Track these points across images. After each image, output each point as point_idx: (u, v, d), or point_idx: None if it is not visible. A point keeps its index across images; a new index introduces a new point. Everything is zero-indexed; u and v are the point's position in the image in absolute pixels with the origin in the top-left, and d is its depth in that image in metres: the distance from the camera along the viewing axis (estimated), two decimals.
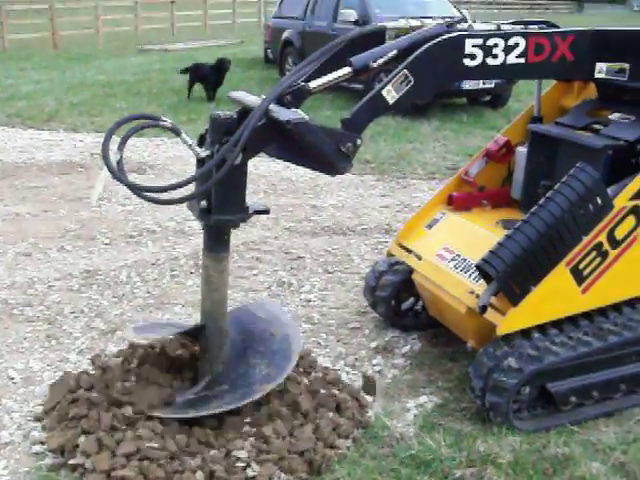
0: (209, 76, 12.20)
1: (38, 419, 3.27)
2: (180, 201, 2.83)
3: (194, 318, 4.29)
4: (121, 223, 6.11)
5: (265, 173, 7.69)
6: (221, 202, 2.91)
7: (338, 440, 3.10)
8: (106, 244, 5.65)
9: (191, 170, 7.79)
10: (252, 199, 3.01)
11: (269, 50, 16.39)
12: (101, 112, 11.10)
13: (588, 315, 3.36)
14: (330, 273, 5.14)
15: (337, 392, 3.39)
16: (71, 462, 2.91)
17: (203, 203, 2.92)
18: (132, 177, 2.84)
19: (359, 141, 2.89)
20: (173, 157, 8.46)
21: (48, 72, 15.48)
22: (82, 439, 2.97)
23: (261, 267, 5.23)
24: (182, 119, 10.38)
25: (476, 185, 4.07)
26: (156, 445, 2.88)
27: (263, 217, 5.84)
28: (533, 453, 3.07)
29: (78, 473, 2.88)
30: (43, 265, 5.17)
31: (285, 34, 14.47)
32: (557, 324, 3.30)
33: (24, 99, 11.96)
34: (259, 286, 4.89)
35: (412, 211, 5.99)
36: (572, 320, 3.33)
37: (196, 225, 5.69)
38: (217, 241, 3.06)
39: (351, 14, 12.29)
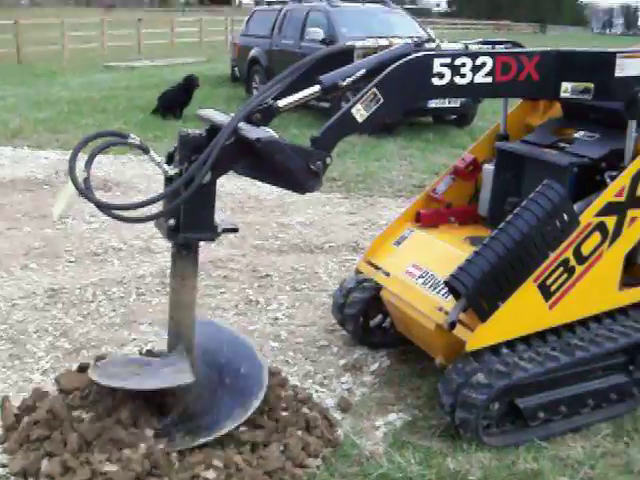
0: (177, 96, 12.16)
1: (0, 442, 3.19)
2: (148, 219, 2.80)
3: (161, 337, 4.25)
4: (86, 241, 6.03)
5: (232, 191, 7.66)
6: (189, 220, 2.87)
7: (308, 459, 3.06)
8: (71, 262, 5.57)
9: (157, 188, 7.71)
10: (219, 216, 2.99)
11: (236, 68, 16.41)
12: (66, 129, 11.00)
13: (556, 331, 3.38)
14: (298, 291, 5.12)
15: (308, 411, 3.35)
16: None
17: (171, 221, 2.88)
18: (98, 194, 2.79)
19: (329, 159, 2.88)
20: (139, 175, 8.40)
21: (13, 88, 15.33)
22: (45, 462, 2.90)
23: (228, 285, 5.19)
24: (149, 136, 10.32)
25: (444, 202, 4.09)
26: (117, 468, 2.82)
27: (230, 235, 5.81)
28: (503, 469, 3.07)
29: None
30: (6, 283, 5.08)
31: (252, 52, 14.51)
32: (525, 340, 3.32)
33: None
34: (226, 304, 4.86)
35: (379, 229, 6.00)
36: (540, 336, 3.35)
37: (162, 243, 5.64)
38: (185, 260, 3.04)
39: (318, 33, 12.37)
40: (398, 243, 3.97)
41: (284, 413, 3.28)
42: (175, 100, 12.16)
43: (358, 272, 4.17)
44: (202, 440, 2.99)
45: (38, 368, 3.92)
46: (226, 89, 16.36)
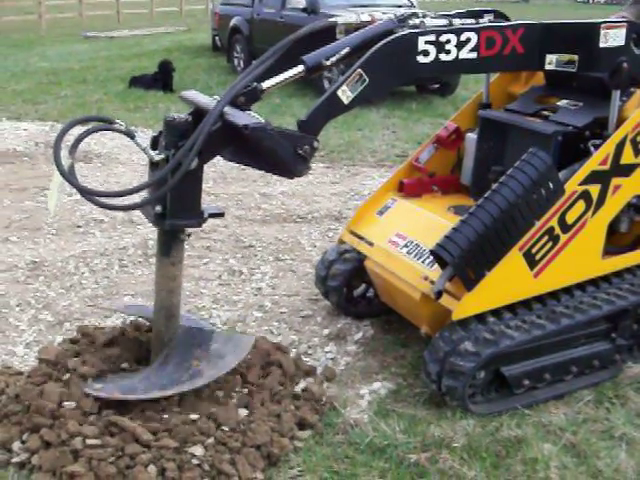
0: (155, 83, 11.83)
1: None
2: (134, 207, 2.78)
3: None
4: (68, 213, 5.99)
5: (214, 161, 7.56)
6: (176, 207, 2.86)
7: (299, 432, 3.06)
8: (53, 234, 5.53)
9: (138, 159, 7.65)
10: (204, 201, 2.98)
11: (217, 37, 16.21)
12: (45, 100, 10.87)
13: (540, 299, 3.40)
14: (281, 261, 5.11)
15: (298, 381, 3.35)
16: (14, 460, 2.82)
17: (158, 208, 2.86)
18: (78, 166, 2.77)
19: (316, 143, 2.87)
20: (120, 146, 8.30)
21: None
22: (26, 436, 2.88)
23: (211, 256, 5.17)
24: (129, 107, 10.23)
25: (426, 171, 4.08)
26: (100, 442, 2.79)
27: (212, 205, 5.77)
28: (486, 436, 3.10)
29: (27, 470, 2.79)
30: None
31: (233, 21, 14.31)
32: (511, 308, 3.33)
33: None
34: (210, 275, 4.84)
35: (362, 198, 6.00)
36: (525, 304, 3.36)
37: None
38: (171, 245, 3.02)
39: (300, 1, 12.19)
40: (381, 213, 3.96)
41: (279, 384, 3.29)
42: (153, 86, 11.78)
43: (341, 242, 4.15)
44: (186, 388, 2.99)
45: (21, 341, 3.90)
46: (207, 59, 16.19)
